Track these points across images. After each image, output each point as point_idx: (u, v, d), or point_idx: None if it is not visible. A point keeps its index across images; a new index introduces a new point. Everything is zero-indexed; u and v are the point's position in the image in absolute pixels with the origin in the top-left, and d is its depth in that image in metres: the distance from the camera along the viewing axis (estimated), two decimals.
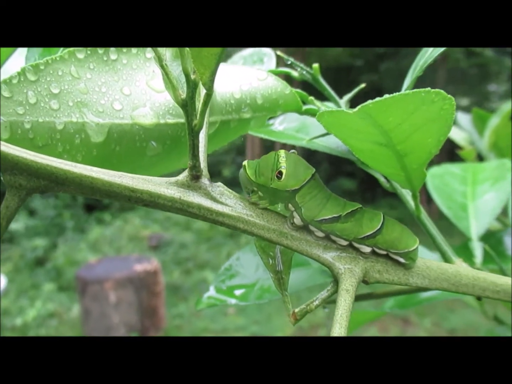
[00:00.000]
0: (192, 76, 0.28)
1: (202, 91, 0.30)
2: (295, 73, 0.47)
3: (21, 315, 3.85)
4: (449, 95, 0.25)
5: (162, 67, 0.28)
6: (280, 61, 0.51)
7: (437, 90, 0.25)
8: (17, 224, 5.27)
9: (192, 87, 0.28)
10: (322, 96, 0.46)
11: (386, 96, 0.24)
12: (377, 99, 0.24)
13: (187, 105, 0.28)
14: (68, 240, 5.66)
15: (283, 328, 3.75)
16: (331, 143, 0.45)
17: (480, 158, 0.86)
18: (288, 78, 0.47)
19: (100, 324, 3.57)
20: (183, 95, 0.28)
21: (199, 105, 0.29)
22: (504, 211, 0.57)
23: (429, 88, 0.24)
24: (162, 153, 0.36)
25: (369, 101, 0.24)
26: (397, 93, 0.24)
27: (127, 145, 0.34)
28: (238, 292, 0.48)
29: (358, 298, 0.41)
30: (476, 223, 0.52)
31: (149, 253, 5.37)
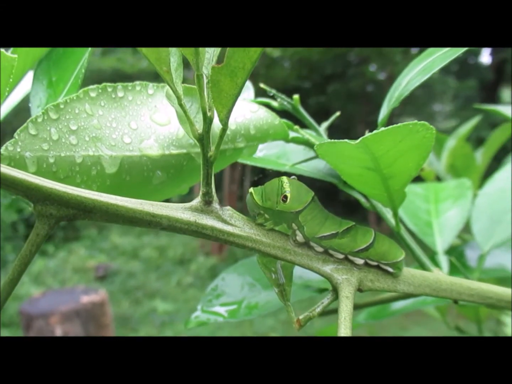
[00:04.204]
0: (209, 113, 0.32)
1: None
2: (275, 103, 0.51)
3: None
4: (431, 126, 0.30)
5: (181, 106, 0.32)
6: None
7: (422, 122, 0.30)
8: None
9: (208, 122, 0.32)
10: (301, 124, 0.51)
11: (382, 128, 0.29)
12: (374, 132, 0.29)
13: (203, 138, 0.32)
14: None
15: None
16: (311, 168, 0.50)
17: (438, 178, 0.94)
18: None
19: None
20: (200, 130, 0.32)
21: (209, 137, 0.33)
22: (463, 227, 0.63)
23: (416, 121, 0.29)
24: (166, 180, 0.39)
25: (368, 134, 0.29)
26: (391, 126, 0.29)
27: (136, 175, 0.37)
28: (225, 310, 0.51)
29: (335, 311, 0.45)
30: (441, 238, 0.58)
31: (96, 284, 5.24)
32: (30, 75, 0.44)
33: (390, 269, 0.35)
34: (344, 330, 0.31)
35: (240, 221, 0.34)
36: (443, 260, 0.52)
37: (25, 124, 0.33)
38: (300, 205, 0.33)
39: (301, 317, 0.34)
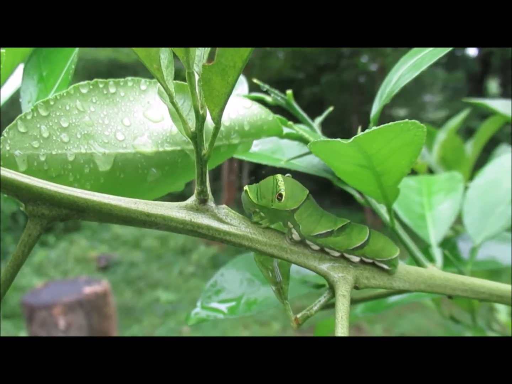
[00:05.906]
0: (201, 111, 0.31)
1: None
2: (268, 99, 0.51)
3: None
4: (422, 124, 0.30)
5: (173, 103, 0.31)
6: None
7: (413, 120, 0.29)
8: None
9: (200, 121, 0.31)
10: (294, 119, 0.51)
11: (374, 128, 0.28)
12: (366, 131, 0.29)
13: (196, 137, 0.32)
14: None
15: None
16: (306, 163, 0.49)
17: (430, 171, 0.94)
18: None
19: None
20: (193, 128, 0.32)
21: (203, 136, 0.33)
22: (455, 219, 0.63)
23: (407, 120, 0.29)
24: (160, 178, 0.39)
25: (360, 133, 0.28)
26: (382, 125, 0.29)
27: (130, 172, 0.37)
28: (225, 307, 0.51)
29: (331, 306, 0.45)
30: (434, 231, 0.58)
31: (99, 275, 5.25)
32: (20, 69, 0.43)
33: (385, 266, 0.35)
34: (341, 329, 0.31)
35: (236, 220, 0.34)
36: (437, 252, 0.52)
37: (14, 122, 0.32)
38: (295, 203, 0.33)
39: (299, 315, 0.34)
